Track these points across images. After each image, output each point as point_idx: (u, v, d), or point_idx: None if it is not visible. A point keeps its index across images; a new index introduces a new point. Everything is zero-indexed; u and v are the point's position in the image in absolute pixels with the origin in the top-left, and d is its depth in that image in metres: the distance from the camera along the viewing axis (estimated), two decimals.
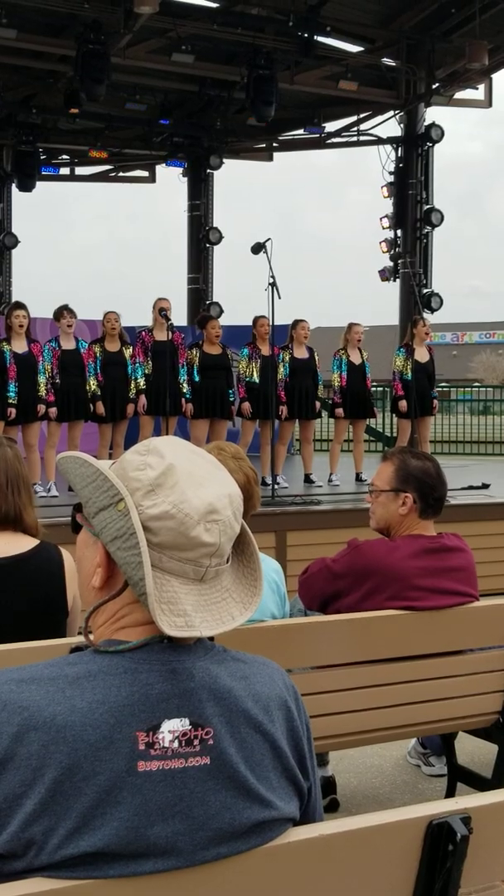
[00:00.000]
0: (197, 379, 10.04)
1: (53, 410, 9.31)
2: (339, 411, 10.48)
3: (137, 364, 10.00)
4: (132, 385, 9.96)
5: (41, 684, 1.34)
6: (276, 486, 9.25)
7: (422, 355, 10.75)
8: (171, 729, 1.34)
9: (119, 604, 1.41)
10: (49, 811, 1.28)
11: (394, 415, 11.40)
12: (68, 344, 9.59)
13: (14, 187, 18.07)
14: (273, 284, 8.97)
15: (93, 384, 9.70)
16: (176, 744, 1.34)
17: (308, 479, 10.38)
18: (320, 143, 18.61)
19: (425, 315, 13.85)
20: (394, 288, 17.04)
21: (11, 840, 1.29)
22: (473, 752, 4.32)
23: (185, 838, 1.33)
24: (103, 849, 1.29)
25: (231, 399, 10.19)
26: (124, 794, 1.30)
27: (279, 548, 7.80)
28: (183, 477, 1.39)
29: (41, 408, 9.21)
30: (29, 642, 2.62)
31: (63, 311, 9.64)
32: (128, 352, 10.00)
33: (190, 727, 1.35)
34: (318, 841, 1.47)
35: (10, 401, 8.97)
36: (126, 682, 1.35)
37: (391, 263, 16.98)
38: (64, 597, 2.90)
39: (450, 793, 3.93)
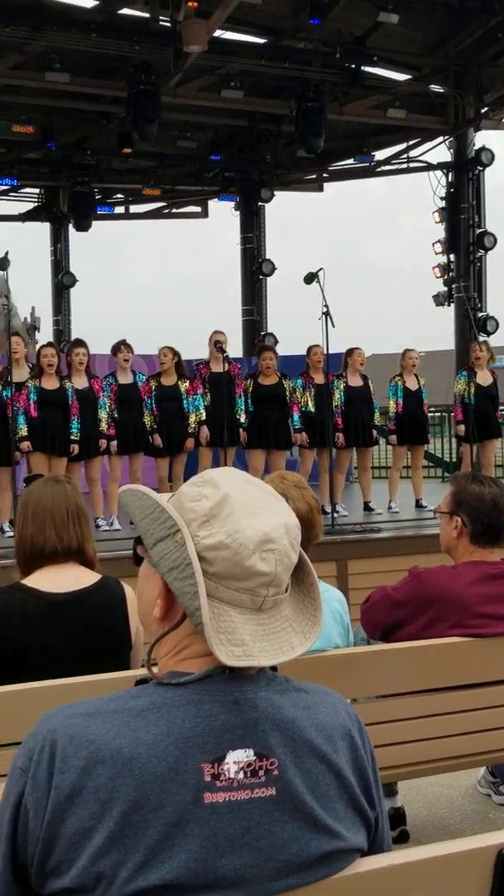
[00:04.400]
0: (251, 409, 10.10)
1: (115, 444, 9.41)
2: (394, 438, 10.45)
3: (197, 396, 10.06)
4: (191, 418, 10.01)
5: (106, 717, 1.35)
6: (335, 515, 9.22)
7: (484, 378, 10.63)
8: (236, 760, 1.34)
9: (180, 635, 1.42)
10: (118, 844, 1.28)
11: (456, 439, 11.29)
12: (125, 378, 9.71)
13: (71, 228, 18.44)
14: (327, 313, 8.99)
15: (148, 418, 9.80)
16: (241, 775, 1.33)
17: (367, 507, 10.33)
18: (370, 171, 18.67)
19: (484, 338, 13.74)
20: (449, 313, 16.97)
21: (81, 874, 1.29)
22: None
23: (253, 870, 1.32)
24: (172, 882, 1.28)
25: (296, 427, 10.16)
26: (192, 826, 1.30)
27: (340, 577, 7.76)
28: (237, 507, 1.39)
29: (103, 442, 9.33)
30: (94, 675, 2.64)
31: (120, 346, 9.81)
32: (183, 386, 10.06)
33: (254, 758, 1.34)
34: (387, 871, 1.46)
35: (73, 437, 9.11)
36: (190, 714, 1.35)
37: (445, 288, 16.92)
38: (127, 630, 2.93)
39: None
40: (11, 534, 8.44)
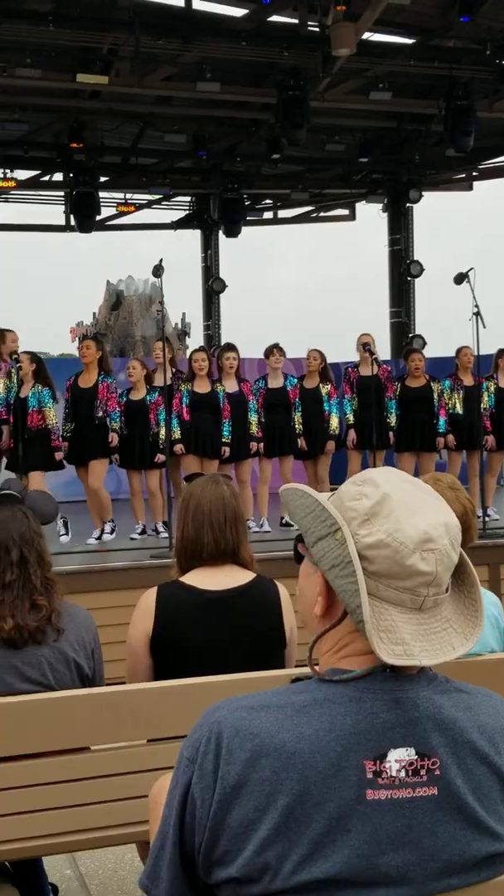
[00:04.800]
0: (398, 412, 10.05)
1: (262, 446, 9.51)
2: None
3: (345, 400, 10.06)
4: (332, 420, 10.00)
5: (270, 712, 1.37)
6: (487, 519, 9.06)
7: None
8: (398, 758, 1.34)
9: (341, 632, 1.43)
10: (282, 837, 1.31)
11: None
12: (275, 381, 9.79)
13: (221, 234, 18.73)
14: (477, 314, 8.84)
15: (297, 420, 9.84)
16: (403, 773, 1.34)
17: None
18: None
19: None
20: None
21: (247, 864, 1.32)
22: None
23: (415, 869, 1.33)
24: (336, 876, 1.30)
25: (440, 430, 10.05)
26: (354, 821, 1.31)
27: (493, 581, 7.64)
28: (397, 506, 1.40)
29: (253, 445, 9.44)
30: (251, 673, 2.69)
31: (273, 349, 9.90)
32: (324, 389, 10.06)
33: (416, 757, 1.35)
34: None
35: (225, 440, 9.25)
36: (351, 711, 1.36)
37: None
38: (281, 628, 2.97)
39: None
40: (166, 534, 8.62)
